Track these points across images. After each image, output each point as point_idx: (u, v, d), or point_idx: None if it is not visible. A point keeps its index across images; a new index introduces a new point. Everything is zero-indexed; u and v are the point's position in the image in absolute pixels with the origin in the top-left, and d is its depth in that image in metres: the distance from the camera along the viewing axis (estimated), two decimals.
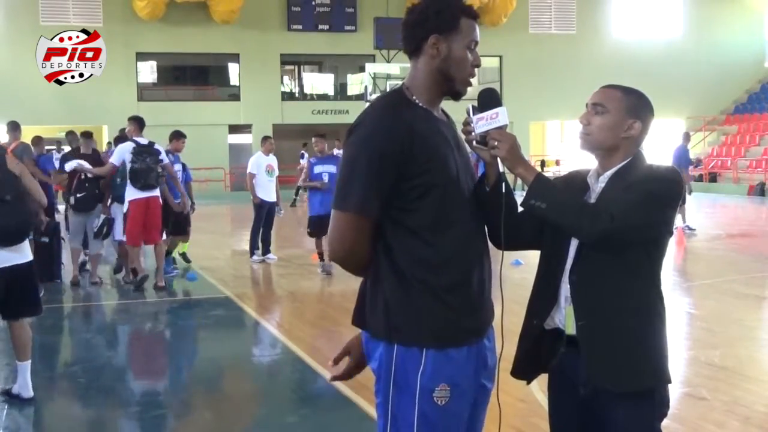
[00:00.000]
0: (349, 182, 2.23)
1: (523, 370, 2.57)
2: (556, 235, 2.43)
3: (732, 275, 10.36)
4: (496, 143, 2.28)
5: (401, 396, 2.27)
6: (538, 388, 2.65)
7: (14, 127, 10.41)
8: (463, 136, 2.39)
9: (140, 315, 8.46)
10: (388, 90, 19.57)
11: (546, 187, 2.31)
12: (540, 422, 3.87)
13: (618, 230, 2.27)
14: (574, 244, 2.42)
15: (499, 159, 2.30)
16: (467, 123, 2.34)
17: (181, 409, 5.47)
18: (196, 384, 6.06)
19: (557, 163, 31.16)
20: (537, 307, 2.50)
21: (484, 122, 2.30)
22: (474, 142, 2.33)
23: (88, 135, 10.13)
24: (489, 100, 2.32)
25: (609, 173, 2.45)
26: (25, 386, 5.24)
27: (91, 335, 7.59)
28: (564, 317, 2.43)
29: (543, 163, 29.72)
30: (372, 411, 5.01)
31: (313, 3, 28.06)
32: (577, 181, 2.53)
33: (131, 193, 8.96)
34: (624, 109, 2.44)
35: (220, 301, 8.99)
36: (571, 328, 2.40)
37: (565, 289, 2.42)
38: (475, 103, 2.35)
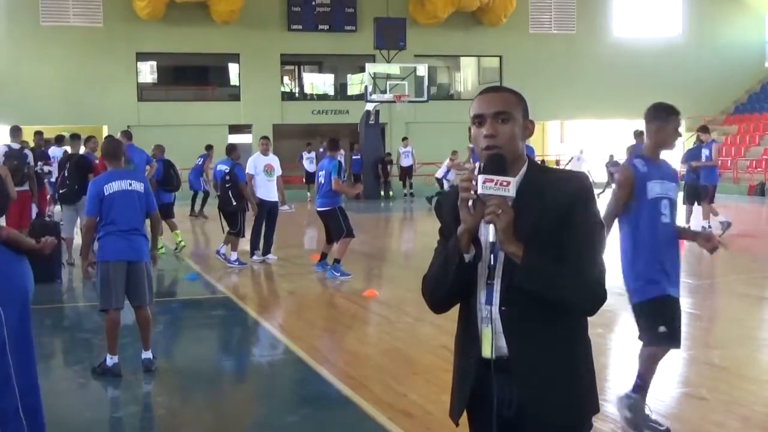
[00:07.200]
0: None
1: (462, 410, 2.43)
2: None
3: (732, 275, 10.36)
4: (499, 211, 2.16)
5: None
6: None
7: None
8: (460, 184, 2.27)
9: None
10: (388, 90, 19.71)
11: (539, 268, 2.22)
12: None
13: (604, 278, 2.27)
14: (497, 281, 2.30)
15: (491, 227, 2.19)
16: (470, 179, 2.21)
17: (182, 409, 5.48)
18: (196, 384, 6.06)
19: (557, 163, 31.14)
20: (467, 343, 2.39)
21: (491, 185, 2.16)
22: (470, 201, 2.21)
23: (75, 137, 11.67)
24: (499, 166, 2.21)
25: (516, 181, 2.26)
26: None
27: (90, 335, 7.58)
28: (481, 340, 2.31)
29: (543, 163, 29.59)
30: (371, 410, 5.02)
31: (313, 3, 28.01)
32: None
33: None
34: (522, 112, 2.34)
35: (220, 301, 8.99)
36: (488, 351, 2.30)
37: (482, 310, 2.31)
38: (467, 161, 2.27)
